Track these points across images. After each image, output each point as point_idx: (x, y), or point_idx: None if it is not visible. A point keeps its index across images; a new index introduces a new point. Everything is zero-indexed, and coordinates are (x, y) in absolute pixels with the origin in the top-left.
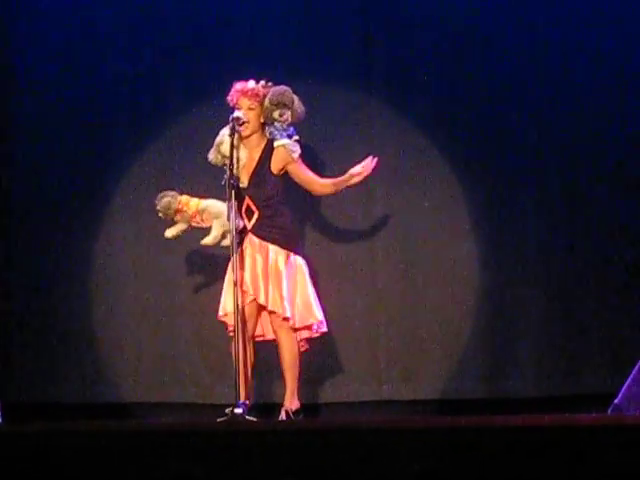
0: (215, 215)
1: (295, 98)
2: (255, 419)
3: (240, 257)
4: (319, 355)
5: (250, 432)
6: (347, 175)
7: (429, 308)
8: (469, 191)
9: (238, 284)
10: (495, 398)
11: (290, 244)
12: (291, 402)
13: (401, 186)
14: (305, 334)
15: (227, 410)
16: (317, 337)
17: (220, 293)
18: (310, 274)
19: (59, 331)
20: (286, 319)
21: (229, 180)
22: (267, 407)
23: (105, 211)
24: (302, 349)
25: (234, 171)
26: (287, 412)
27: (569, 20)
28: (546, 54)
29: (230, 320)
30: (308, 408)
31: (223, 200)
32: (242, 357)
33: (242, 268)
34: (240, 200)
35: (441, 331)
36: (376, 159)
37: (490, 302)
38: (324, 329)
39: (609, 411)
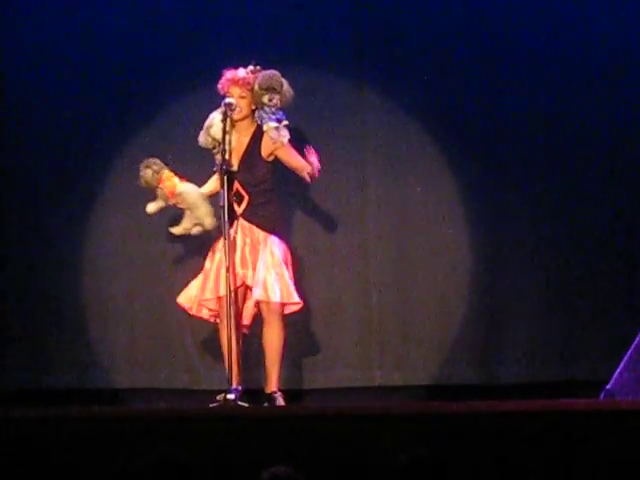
0: (188, 205)
1: (284, 82)
2: (247, 405)
3: (232, 241)
4: (311, 341)
5: (243, 418)
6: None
7: (422, 294)
8: (463, 177)
9: (230, 270)
10: (488, 384)
11: (277, 230)
12: (277, 386)
13: (394, 172)
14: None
15: (218, 397)
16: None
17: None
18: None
19: (51, 317)
20: (275, 304)
21: (221, 166)
22: (257, 393)
23: (96, 198)
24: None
25: (225, 156)
26: (274, 396)
27: (564, 15)
28: (541, 43)
29: (211, 305)
30: (301, 394)
31: (200, 186)
32: (234, 343)
33: (233, 252)
34: (229, 184)
35: (434, 317)
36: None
37: (483, 288)
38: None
39: (601, 396)
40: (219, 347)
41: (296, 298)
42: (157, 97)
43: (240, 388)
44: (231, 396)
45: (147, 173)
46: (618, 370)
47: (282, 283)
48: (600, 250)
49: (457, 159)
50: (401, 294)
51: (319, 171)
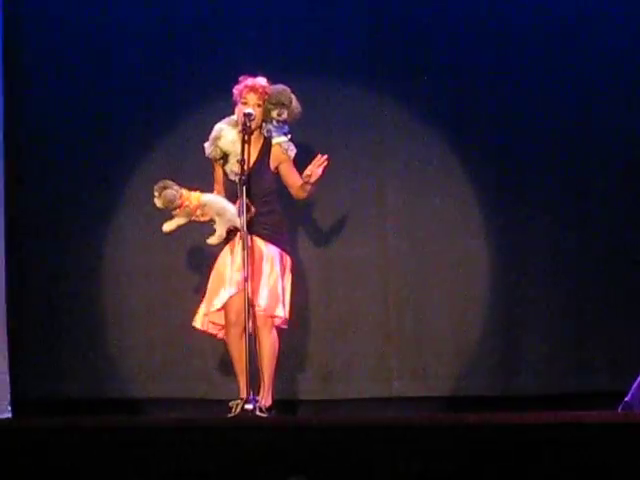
0: (217, 211)
1: (293, 97)
2: (265, 415)
3: (231, 253)
4: (330, 352)
5: (260, 428)
6: (304, 177)
7: (440, 305)
8: (481, 189)
9: (248, 280)
10: (505, 396)
11: (281, 242)
12: (266, 399)
13: (412, 184)
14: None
15: (231, 403)
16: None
17: None
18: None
19: (70, 327)
20: (277, 317)
21: (240, 176)
22: (277, 403)
23: (115, 208)
24: None
25: (232, 167)
26: (261, 409)
27: (581, 18)
28: (558, 50)
29: (217, 317)
30: (319, 405)
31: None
32: (241, 352)
33: (233, 263)
34: (236, 196)
35: (452, 328)
36: (325, 156)
37: (501, 299)
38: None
39: (619, 408)
40: (230, 358)
41: (280, 312)
42: (175, 109)
43: (258, 398)
44: (249, 406)
45: (168, 193)
46: (636, 382)
47: (271, 295)
48: (618, 263)
49: (475, 170)
50: (419, 305)
51: (314, 184)
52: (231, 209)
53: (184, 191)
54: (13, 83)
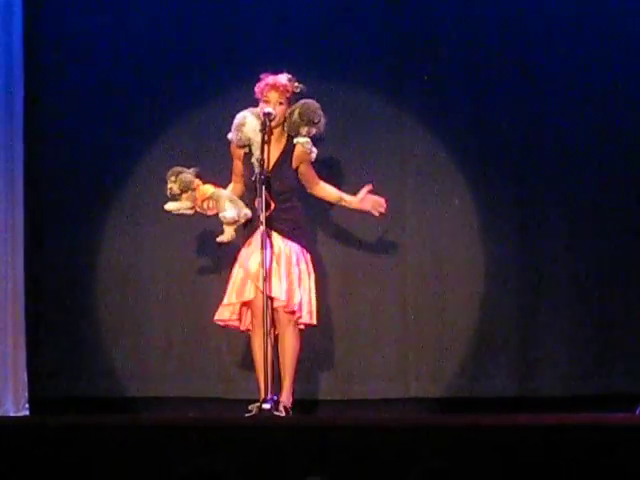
0: (229, 198)
1: (322, 114)
2: (283, 414)
3: (255, 247)
4: (348, 352)
5: (277, 428)
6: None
7: (458, 306)
8: (499, 194)
9: (267, 278)
10: (524, 397)
11: (301, 239)
12: (288, 398)
13: (431, 187)
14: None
15: (250, 406)
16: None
17: None
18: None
19: (87, 325)
20: (299, 313)
21: (259, 175)
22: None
23: (132, 206)
24: None
25: (255, 162)
26: (285, 408)
27: (598, 36)
28: (582, 63)
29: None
30: (337, 405)
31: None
32: (265, 352)
33: (256, 257)
34: (256, 193)
35: (470, 330)
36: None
37: (519, 301)
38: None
39: (637, 411)
40: (251, 356)
41: (296, 307)
42: (191, 104)
43: (276, 397)
44: (267, 405)
45: (184, 177)
46: None
47: (291, 290)
48: (636, 263)
49: (494, 176)
50: (437, 306)
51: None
52: (239, 201)
53: (197, 179)
54: (32, 83)
